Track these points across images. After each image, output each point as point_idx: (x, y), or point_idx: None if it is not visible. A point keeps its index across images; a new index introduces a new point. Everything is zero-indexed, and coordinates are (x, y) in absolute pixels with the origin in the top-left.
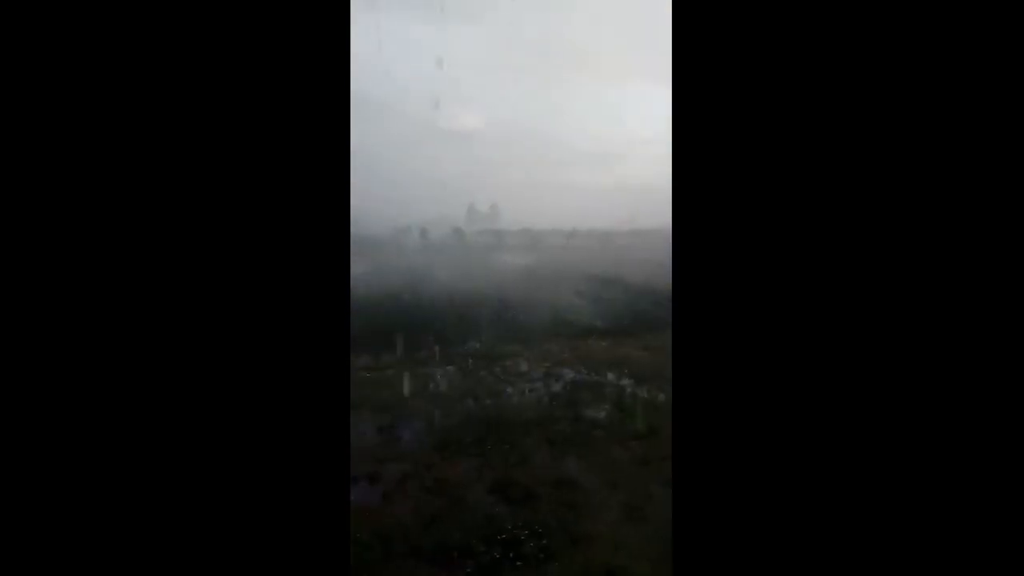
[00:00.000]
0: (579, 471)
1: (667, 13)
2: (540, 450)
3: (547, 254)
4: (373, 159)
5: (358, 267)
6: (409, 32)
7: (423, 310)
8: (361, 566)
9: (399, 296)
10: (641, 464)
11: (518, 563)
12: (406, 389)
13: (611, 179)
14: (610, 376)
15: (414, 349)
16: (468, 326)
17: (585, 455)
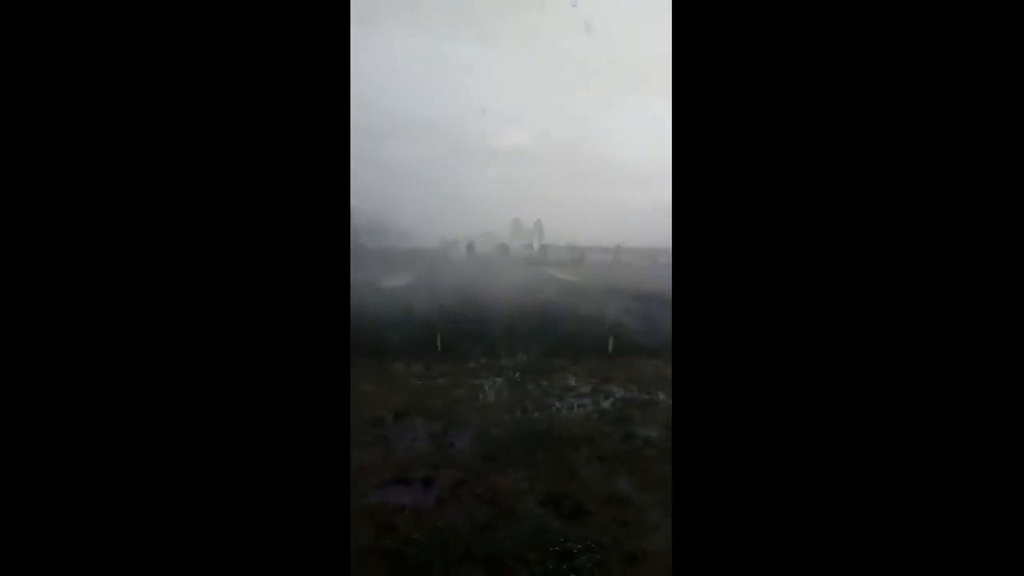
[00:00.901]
0: (631, 489)
1: None
2: (590, 465)
3: (592, 270)
4: (423, 176)
5: (407, 279)
6: (461, 55)
7: (471, 322)
8: (418, 566)
9: (447, 308)
10: None
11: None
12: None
13: (656, 197)
14: (661, 396)
15: (463, 360)
16: (515, 339)
17: (637, 473)
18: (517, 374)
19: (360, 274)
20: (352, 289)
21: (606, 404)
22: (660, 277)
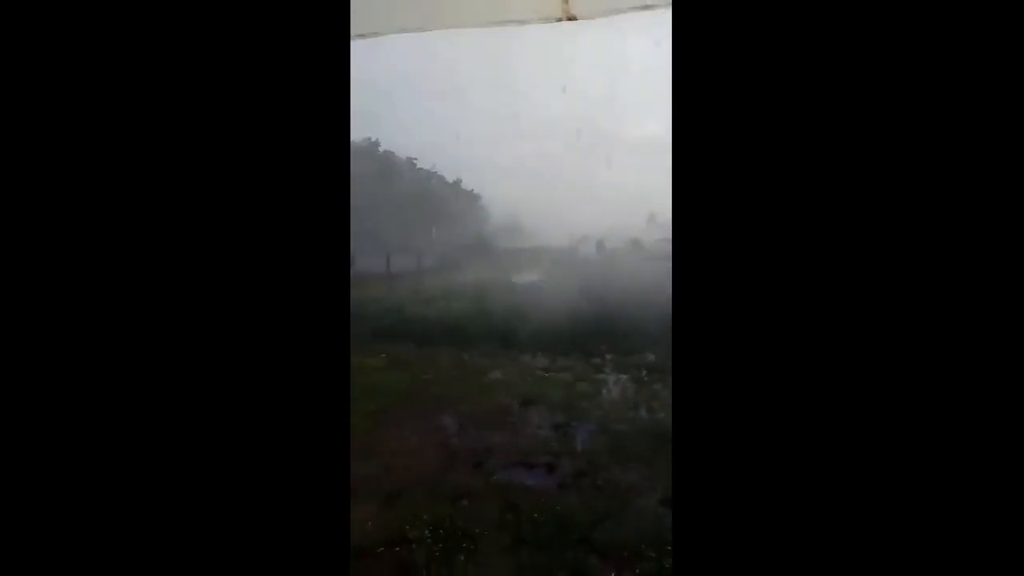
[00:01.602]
0: None
1: None
2: None
3: None
4: (552, 172)
5: (537, 275)
6: (586, 43)
7: (598, 319)
8: (537, 544)
9: (574, 304)
10: None
11: None
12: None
13: None
14: None
15: (588, 356)
16: (643, 337)
17: None
18: (644, 372)
19: (492, 272)
20: (483, 285)
21: None
22: None
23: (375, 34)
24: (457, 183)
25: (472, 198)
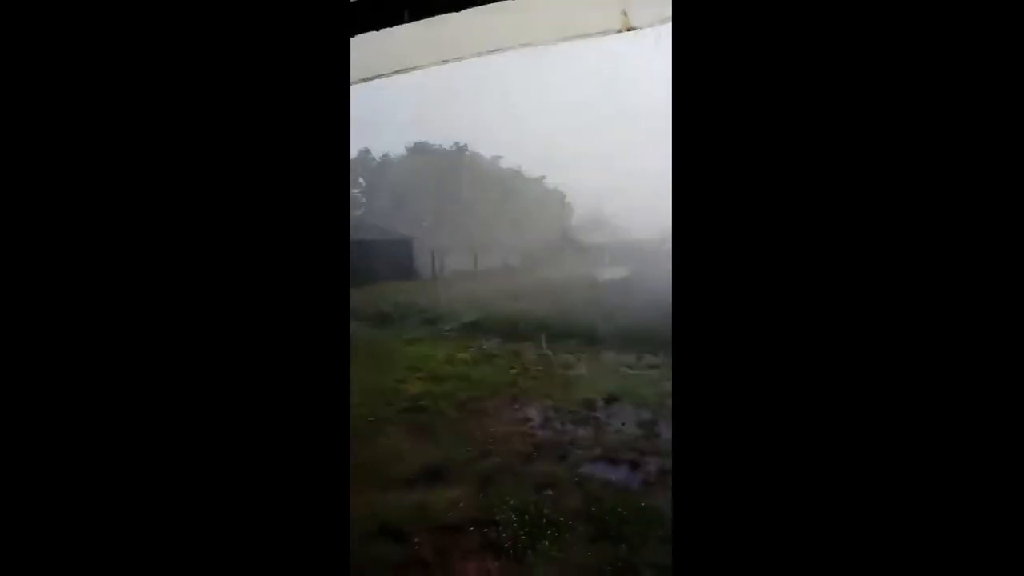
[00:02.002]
0: None
1: None
2: None
3: None
4: (637, 164)
5: (624, 271)
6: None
7: None
8: (620, 537)
9: (662, 301)
10: None
11: None
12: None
13: None
14: None
15: None
16: None
17: None
18: None
19: (577, 267)
20: (568, 282)
21: None
22: None
23: (458, 58)
24: (541, 179)
25: (557, 194)
